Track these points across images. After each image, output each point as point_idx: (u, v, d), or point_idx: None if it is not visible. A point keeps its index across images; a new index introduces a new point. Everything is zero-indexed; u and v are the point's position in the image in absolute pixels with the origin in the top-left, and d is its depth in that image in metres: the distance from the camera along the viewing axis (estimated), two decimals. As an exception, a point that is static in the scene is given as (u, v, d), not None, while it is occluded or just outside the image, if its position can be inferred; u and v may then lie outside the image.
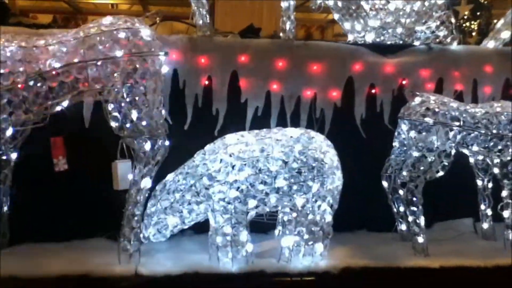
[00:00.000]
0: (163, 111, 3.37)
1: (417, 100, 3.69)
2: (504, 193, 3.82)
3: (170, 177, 3.42)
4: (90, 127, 3.60)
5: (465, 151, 3.83)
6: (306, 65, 3.89)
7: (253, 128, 3.75)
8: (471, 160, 4.00)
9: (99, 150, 3.46)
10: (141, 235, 3.41)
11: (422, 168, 3.63)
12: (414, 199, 3.65)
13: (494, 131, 3.66)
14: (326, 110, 3.95)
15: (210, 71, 3.77)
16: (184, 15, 5.07)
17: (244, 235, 3.32)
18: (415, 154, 3.62)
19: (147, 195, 3.36)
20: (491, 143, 3.69)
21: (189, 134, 3.77)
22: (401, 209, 3.87)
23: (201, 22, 3.76)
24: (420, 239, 3.67)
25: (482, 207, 4.10)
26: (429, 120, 3.57)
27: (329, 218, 3.47)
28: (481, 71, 4.13)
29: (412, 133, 3.61)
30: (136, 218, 3.30)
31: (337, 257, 3.54)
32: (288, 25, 3.85)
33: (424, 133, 3.59)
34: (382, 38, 4.08)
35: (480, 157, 3.91)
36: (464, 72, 4.09)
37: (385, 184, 3.86)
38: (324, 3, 4.24)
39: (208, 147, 3.42)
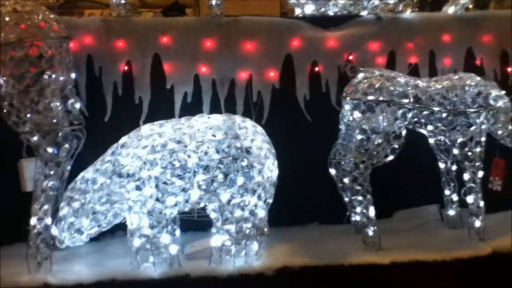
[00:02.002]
0: (74, 103, 3.03)
1: (360, 76, 3.28)
2: (466, 176, 3.40)
3: (81, 175, 3.06)
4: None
5: (422, 131, 3.42)
6: (238, 44, 3.51)
7: (183, 116, 3.37)
8: (431, 140, 3.60)
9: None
10: (57, 240, 3.07)
11: (367, 152, 3.22)
12: (359, 187, 3.26)
13: (449, 108, 3.24)
14: (263, 93, 3.57)
15: (129, 56, 3.40)
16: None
17: (165, 236, 2.97)
18: (359, 137, 3.22)
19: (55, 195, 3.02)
20: (447, 121, 3.28)
21: (111, 126, 3.42)
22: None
23: (115, 0, 3.37)
24: (370, 232, 3.29)
25: (447, 192, 3.70)
26: (372, 98, 3.15)
27: (261, 213, 3.09)
28: (439, 41, 3.71)
29: (355, 114, 3.21)
30: (43, 222, 2.96)
31: (275, 256, 3.18)
32: (214, 0, 3.45)
33: (368, 113, 3.19)
34: (323, 9, 3.64)
35: (440, 137, 3.49)
36: (419, 43, 3.68)
37: (332, 171, 3.47)
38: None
39: (122, 140, 3.06)
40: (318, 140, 3.58)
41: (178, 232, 3.24)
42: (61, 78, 3.02)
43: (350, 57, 3.62)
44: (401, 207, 3.89)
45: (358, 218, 3.37)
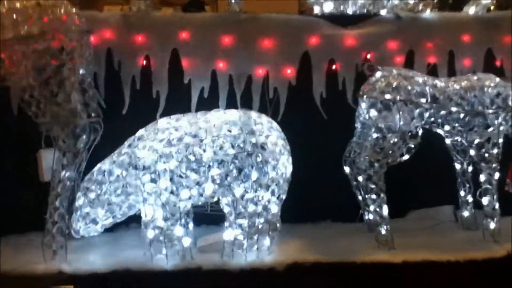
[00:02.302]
0: (93, 96, 3.09)
1: (378, 75, 3.27)
2: (482, 178, 3.37)
3: (98, 166, 3.11)
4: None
5: (439, 131, 3.40)
6: (256, 40, 3.53)
7: (199, 111, 3.40)
8: (447, 141, 3.56)
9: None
10: (72, 230, 3.14)
11: (382, 151, 3.20)
12: (373, 186, 3.25)
13: (467, 108, 3.21)
14: (280, 90, 3.58)
15: (147, 50, 3.46)
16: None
17: (178, 228, 3.01)
18: (375, 135, 3.21)
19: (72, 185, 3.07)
20: (465, 122, 3.25)
21: (128, 119, 3.47)
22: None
23: (135, -5, 3.42)
24: (383, 231, 3.28)
25: (462, 193, 3.67)
26: (389, 97, 3.14)
27: (274, 209, 3.11)
28: (459, 41, 3.68)
29: (372, 112, 3.20)
30: (59, 211, 3.02)
31: (287, 251, 3.19)
32: (233, -3, 3.47)
33: (384, 112, 3.17)
34: (342, 8, 3.64)
35: (457, 138, 3.46)
36: (438, 43, 3.65)
37: (347, 169, 3.47)
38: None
39: (139, 132, 3.10)
40: (333, 137, 3.57)
41: (191, 225, 3.27)
42: (81, 71, 3.07)
43: (368, 56, 3.60)
44: (416, 207, 3.87)
45: (371, 216, 3.36)
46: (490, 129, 3.26)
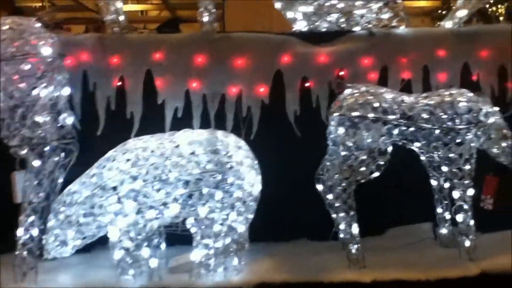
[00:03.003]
0: (67, 117, 3.16)
1: (346, 92, 3.27)
2: (456, 194, 3.32)
3: (68, 188, 3.17)
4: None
5: (412, 147, 3.37)
6: (229, 59, 3.56)
7: (174, 130, 3.44)
8: (422, 157, 3.52)
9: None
10: (45, 251, 3.19)
11: (350, 169, 3.19)
12: (342, 204, 3.23)
13: (437, 124, 3.19)
14: (253, 108, 3.60)
15: (122, 71, 3.51)
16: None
17: (145, 249, 3.04)
18: (343, 153, 3.21)
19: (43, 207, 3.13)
20: (435, 138, 3.22)
21: (103, 140, 3.51)
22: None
23: (110, 18, 3.49)
24: (354, 249, 3.25)
25: (439, 210, 3.62)
26: (356, 114, 3.14)
27: (241, 228, 3.12)
28: (433, 56, 3.65)
29: (340, 130, 3.20)
30: (29, 233, 3.07)
31: (256, 271, 3.19)
32: (206, 16, 3.51)
33: (352, 130, 3.17)
34: (316, 25, 3.65)
35: (430, 154, 3.43)
36: (412, 58, 3.63)
37: (319, 187, 3.45)
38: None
39: (108, 153, 3.15)
40: (307, 155, 3.55)
41: (163, 245, 3.30)
42: (55, 94, 3.13)
43: (341, 73, 3.60)
44: (394, 224, 3.82)
45: (342, 235, 3.34)
46: (462, 145, 3.22)
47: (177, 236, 3.30)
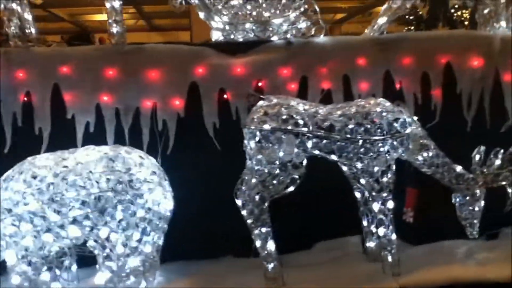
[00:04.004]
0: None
1: (259, 104, 3.16)
2: (376, 207, 3.22)
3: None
4: None
5: (331, 159, 3.26)
6: (142, 72, 3.42)
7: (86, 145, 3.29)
8: (345, 169, 3.41)
9: None
10: None
11: (263, 183, 3.07)
12: (255, 220, 3.11)
13: (350, 135, 3.09)
14: (169, 122, 3.46)
15: (28, 86, 3.34)
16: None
17: (45, 273, 2.87)
18: (256, 167, 3.09)
19: None
20: (350, 150, 3.12)
21: (10, 158, 3.32)
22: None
23: (13, 31, 3.34)
24: (270, 267, 3.13)
25: (365, 223, 3.52)
26: (267, 127, 3.02)
27: (148, 249, 2.97)
28: (353, 65, 3.56)
29: (251, 143, 3.08)
30: None
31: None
32: (115, 29, 3.38)
33: (263, 143, 3.05)
34: (233, 35, 3.54)
35: (351, 166, 3.32)
36: (331, 67, 3.52)
37: (238, 202, 3.32)
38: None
39: (6, 173, 2.98)
40: (229, 169, 3.42)
41: (74, 267, 3.14)
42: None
43: (259, 84, 3.49)
44: (322, 238, 3.70)
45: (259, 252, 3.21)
46: (378, 157, 3.12)
47: (91, 257, 3.16)
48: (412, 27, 10.07)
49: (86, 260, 3.17)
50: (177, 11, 3.82)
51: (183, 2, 3.78)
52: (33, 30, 3.51)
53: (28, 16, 3.46)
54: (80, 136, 3.41)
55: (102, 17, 14.31)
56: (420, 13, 9.66)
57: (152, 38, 13.51)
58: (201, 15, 3.82)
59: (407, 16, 10.45)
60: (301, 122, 3.06)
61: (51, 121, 3.39)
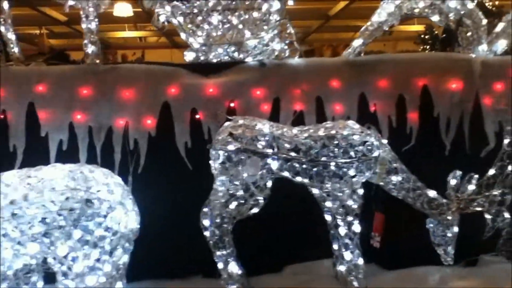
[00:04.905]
0: None
1: (225, 125, 3.16)
2: (342, 231, 3.17)
3: None
4: None
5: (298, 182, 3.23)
6: (115, 91, 3.47)
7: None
8: (314, 191, 3.37)
9: None
10: None
11: (225, 204, 3.06)
12: (217, 242, 3.10)
13: (316, 158, 3.05)
14: (140, 141, 3.49)
15: (4, 104, 3.42)
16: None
17: (8, 291, 2.91)
18: (219, 188, 3.08)
19: None
20: (315, 172, 3.08)
21: (-15, 175, 3.40)
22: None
23: (-8, 51, 3.45)
24: (233, 289, 3.10)
25: (335, 246, 3.44)
26: (231, 148, 3.02)
27: (107, 268, 2.97)
28: (327, 87, 3.53)
29: (215, 164, 3.08)
30: None
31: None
32: (91, 49, 3.45)
33: (227, 164, 3.05)
34: (207, 56, 3.57)
35: (318, 189, 3.28)
36: (304, 89, 3.50)
37: (202, 223, 3.31)
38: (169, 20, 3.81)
39: (-26, 190, 3.04)
40: (200, 189, 3.42)
41: (40, 283, 3.16)
42: None
43: (232, 104, 3.50)
44: (294, 260, 3.66)
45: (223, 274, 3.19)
46: (343, 180, 3.08)
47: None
48: (428, 46, 9.96)
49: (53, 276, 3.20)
50: (161, 31, 3.85)
51: (166, 22, 3.81)
52: (16, 50, 3.59)
53: (11, 35, 3.54)
54: (53, 154, 3.46)
55: (126, 34, 14.64)
56: (436, 32, 9.55)
57: (175, 55, 13.70)
58: (182, 35, 3.86)
59: (422, 36, 10.38)
60: (265, 143, 3.04)
61: (25, 139, 3.45)
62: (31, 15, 10.94)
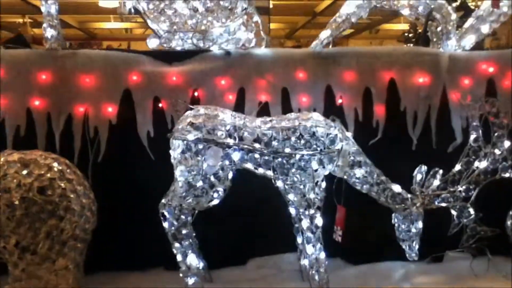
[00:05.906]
0: None
1: (186, 114, 3.08)
2: (304, 224, 3.12)
3: None
4: None
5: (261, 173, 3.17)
6: (75, 77, 3.36)
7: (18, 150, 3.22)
8: (278, 183, 3.30)
9: None
10: None
11: (184, 195, 2.99)
12: (174, 233, 3.02)
13: (277, 149, 2.99)
14: (100, 129, 3.39)
15: (-42, 89, 3.29)
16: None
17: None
18: (179, 178, 3.00)
19: None
20: (277, 164, 3.02)
21: None
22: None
23: None
24: (191, 282, 3.03)
25: (299, 240, 3.40)
26: (191, 137, 2.94)
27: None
28: (293, 79, 3.47)
29: (175, 154, 3.00)
30: None
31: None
32: (50, 33, 3.34)
33: (187, 153, 2.97)
34: (171, 44, 3.48)
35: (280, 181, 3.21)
36: (270, 80, 3.43)
37: (161, 214, 3.22)
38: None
39: None
40: (162, 179, 3.33)
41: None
42: None
43: (196, 93, 3.42)
44: (258, 254, 3.60)
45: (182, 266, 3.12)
46: (305, 172, 3.02)
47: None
48: (411, 45, 9.98)
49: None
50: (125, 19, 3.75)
51: (132, 10, 3.70)
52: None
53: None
54: (10, 140, 3.34)
55: (111, 25, 14.43)
56: (420, 31, 9.57)
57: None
58: (149, 22, 3.75)
59: (406, 34, 10.39)
60: (226, 134, 2.97)
61: (-19, 125, 3.33)
62: (15, 3, 10.73)
